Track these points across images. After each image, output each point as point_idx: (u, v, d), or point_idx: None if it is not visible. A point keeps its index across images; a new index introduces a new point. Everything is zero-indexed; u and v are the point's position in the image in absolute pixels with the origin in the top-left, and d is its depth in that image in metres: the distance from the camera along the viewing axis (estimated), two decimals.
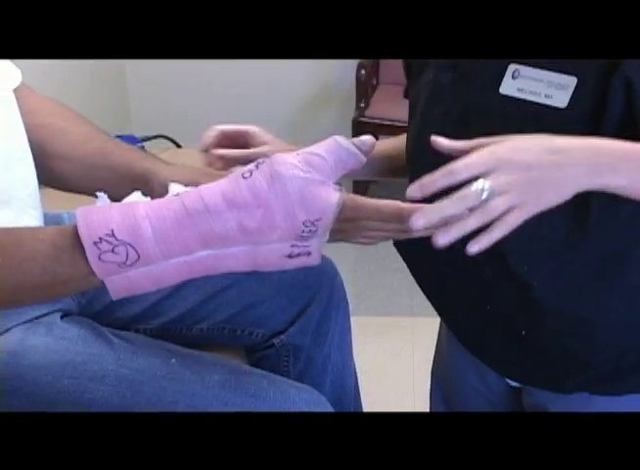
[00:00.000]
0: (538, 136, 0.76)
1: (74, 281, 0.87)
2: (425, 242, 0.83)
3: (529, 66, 0.87)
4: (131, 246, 0.81)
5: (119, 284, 0.85)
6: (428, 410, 1.98)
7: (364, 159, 0.86)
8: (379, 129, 2.96)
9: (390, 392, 2.12)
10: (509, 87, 0.89)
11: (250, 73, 3.20)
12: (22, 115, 1.13)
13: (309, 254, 0.86)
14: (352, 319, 1.43)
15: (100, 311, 1.25)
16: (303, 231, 0.83)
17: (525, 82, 0.88)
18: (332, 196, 0.83)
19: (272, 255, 0.85)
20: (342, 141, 0.85)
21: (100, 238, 0.81)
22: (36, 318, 1.12)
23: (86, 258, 0.82)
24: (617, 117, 0.82)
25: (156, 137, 2.06)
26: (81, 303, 1.25)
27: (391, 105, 3.06)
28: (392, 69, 3.25)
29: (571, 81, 0.85)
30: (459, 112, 0.95)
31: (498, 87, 0.90)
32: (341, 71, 3.20)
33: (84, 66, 2.75)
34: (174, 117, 3.07)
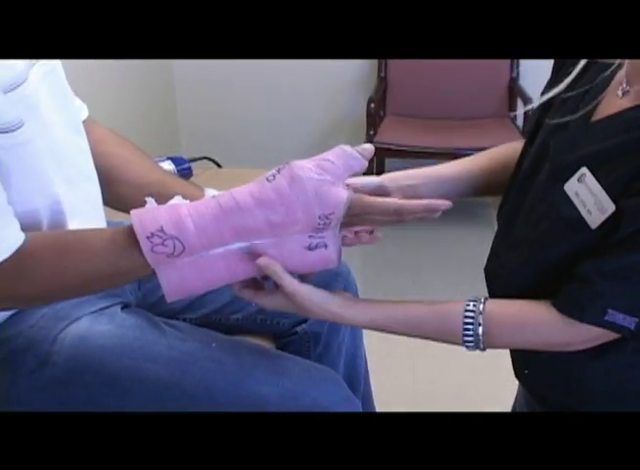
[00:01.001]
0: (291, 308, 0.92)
1: (133, 272, 0.89)
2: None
3: (595, 175, 0.79)
4: (177, 239, 0.83)
5: (173, 283, 0.86)
6: (424, 386, 1.96)
7: (366, 163, 0.87)
8: (385, 153, 2.95)
9: (394, 372, 2.11)
10: (571, 187, 0.82)
11: (280, 105, 3.21)
12: (90, 142, 1.13)
13: (326, 246, 0.87)
14: None
15: (154, 304, 1.25)
16: (319, 224, 0.85)
17: (583, 190, 0.81)
18: (342, 193, 0.85)
19: (294, 245, 0.86)
20: (348, 149, 0.87)
21: (152, 233, 0.83)
22: (101, 310, 1.12)
23: (141, 251, 0.84)
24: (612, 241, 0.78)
25: (201, 159, 2.06)
26: (138, 296, 1.25)
27: (396, 133, 3.05)
28: (397, 103, 3.24)
29: (610, 208, 0.78)
30: (531, 182, 0.91)
31: (565, 183, 0.83)
32: (353, 104, 3.20)
33: (141, 96, 2.76)
34: (218, 141, 3.08)
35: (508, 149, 1.07)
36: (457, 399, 2.00)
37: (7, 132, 0.89)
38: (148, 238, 0.83)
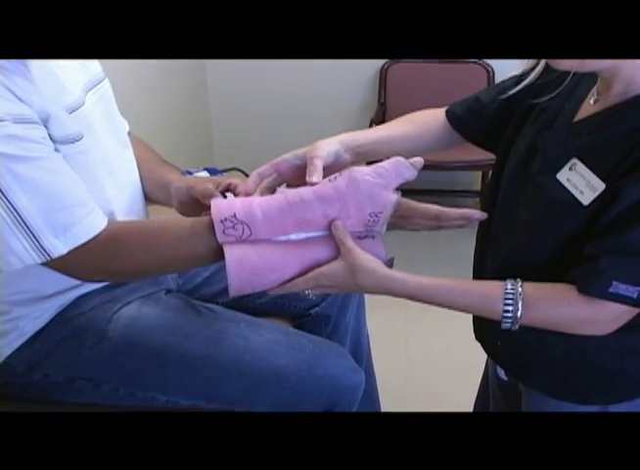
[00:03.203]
0: (346, 272, 0.83)
1: (208, 256, 0.89)
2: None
3: (584, 163, 0.80)
4: (247, 225, 0.82)
5: (235, 256, 0.83)
6: (418, 361, 1.94)
7: (415, 172, 0.86)
8: None
9: (391, 347, 2.11)
10: (563, 175, 0.83)
11: (298, 126, 3.20)
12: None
13: (373, 237, 0.86)
14: (365, 296, 1.42)
15: (192, 289, 1.25)
16: (369, 220, 0.84)
17: (574, 176, 0.81)
18: (391, 196, 0.84)
19: None
20: (402, 159, 0.86)
21: (225, 218, 0.83)
22: (148, 295, 1.12)
23: (216, 238, 0.84)
24: (609, 219, 0.77)
25: (231, 169, 2.07)
26: (179, 283, 1.25)
27: None
28: None
29: (600, 186, 0.78)
30: (525, 173, 0.89)
31: (557, 172, 0.83)
32: (358, 125, 3.17)
33: (180, 116, 2.77)
34: (246, 152, 3.08)
35: (429, 116, 1.07)
36: (443, 375, 2.00)
37: (71, 143, 0.91)
38: (222, 222, 0.83)
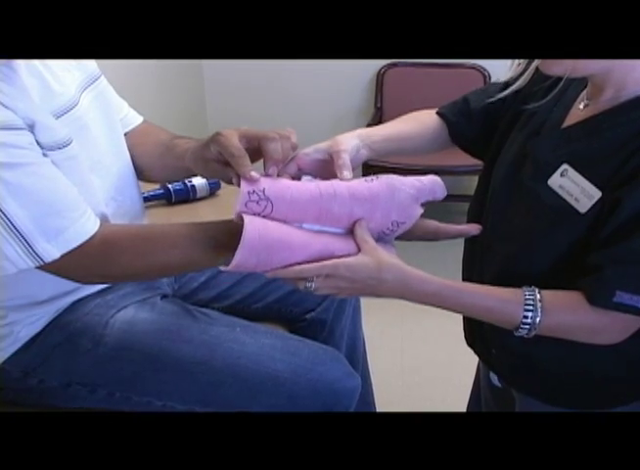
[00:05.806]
0: (371, 265, 0.79)
1: (203, 263, 0.91)
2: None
3: (577, 170, 0.80)
4: (272, 203, 0.80)
5: (255, 225, 0.79)
6: (413, 366, 1.94)
7: (445, 193, 0.87)
8: (381, 170, 2.94)
9: (386, 352, 2.12)
10: (555, 181, 0.82)
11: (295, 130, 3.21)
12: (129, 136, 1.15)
13: (385, 242, 0.87)
14: (361, 301, 1.43)
15: (188, 294, 1.25)
16: (388, 228, 0.84)
17: (566, 182, 0.80)
18: (418, 210, 0.85)
19: None
20: (436, 178, 0.87)
21: (253, 190, 0.80)
22: (144, 299, 1.12)
23: (213, 247, 0.85)
24: (611, 229, 0.76)
25: None
26: (174, 288, 1.25)
27: None
28: None
29: (597, 194, 0.77)
30: (516, 179, 0.89)
31: (548, 178, 0.83)
32: (354, 129, 3.21)
33: (174, 116, 2.76)
34: None
35: (430, 116, 1.07)
36: (438, 380, 2.01)
37: (59, 149, 0.90)
38: (248, 193, 0.79)
